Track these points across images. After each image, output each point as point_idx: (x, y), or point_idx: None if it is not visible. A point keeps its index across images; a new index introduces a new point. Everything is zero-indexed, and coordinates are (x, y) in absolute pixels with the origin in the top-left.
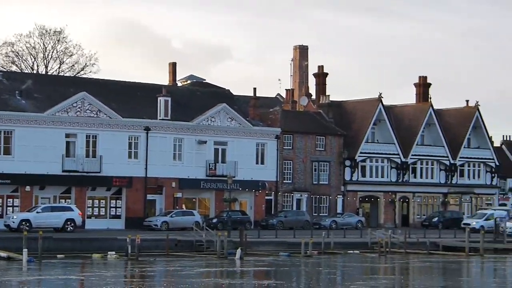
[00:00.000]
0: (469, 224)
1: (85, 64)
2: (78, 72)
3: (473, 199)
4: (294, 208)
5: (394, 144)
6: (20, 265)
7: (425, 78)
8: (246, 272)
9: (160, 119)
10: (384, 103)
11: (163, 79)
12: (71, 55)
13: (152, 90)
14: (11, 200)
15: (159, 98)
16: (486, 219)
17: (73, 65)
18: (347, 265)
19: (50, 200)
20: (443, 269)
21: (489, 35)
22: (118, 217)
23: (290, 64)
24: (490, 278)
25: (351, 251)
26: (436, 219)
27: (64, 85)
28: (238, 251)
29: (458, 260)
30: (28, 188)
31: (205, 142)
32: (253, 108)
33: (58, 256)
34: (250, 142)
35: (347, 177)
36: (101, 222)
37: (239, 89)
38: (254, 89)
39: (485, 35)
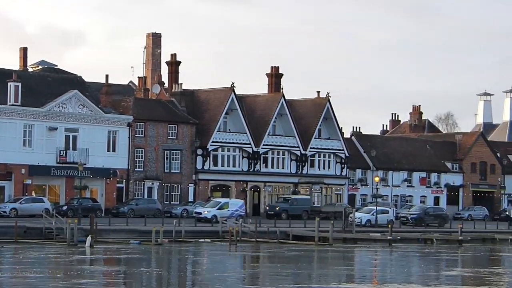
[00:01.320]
0: (200, 213)
1: None
2: None
3: (323, 189)
4: (146, 196)
5: (246, 133)
6: None
7: (277, 68)
8: (96, 259)
9: (10, 105)
10: (236, 93)
11: (15, 65)
12: None
13: (2, 75)
14: None
15: (9, 83)
16: (220, 208)
17: None
18: (197, 254)
19: None
20: (292, 258)
21: (340, 26)
22: None
23: (143, 51)
24: (339, 266)
25: (202, 240)
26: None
27: None
28: (88, 238)
29: (308, 249)
30: None
31: (56, 128)
32: (105, 95)
33: None
34: (102, 129)
35: (199, 166)
36: None
37: (92, 76)
38: (107, 76)
39: (337, 26)
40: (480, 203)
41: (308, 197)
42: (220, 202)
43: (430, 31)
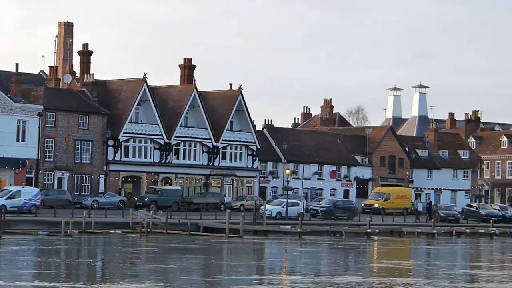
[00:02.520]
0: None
1: None
2: None
3: (234, 181)
4: (55, 187)
5: (158, 125)
6: None
7: (190, 60)
8: (3, 252)
9: None
10: (149, 84)
11: None
12: None
13: None
14: None
15: None
16: (10, 197)
17: None
18: (106, 244)
19: None
20: (203, 250)
21: (253, 18)
22: None
23: (55, 40)
24: (249, 258)
25: (113, 231)
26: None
27: None
28: None
29: (218, 241)
30: None
31: None
32: (15, 84)
33: None
34: (11, 118)
35: (110, 157)
36: None
37: (1, 64)
38: (17, 64)
39: (251, 18)
40: None
41: (179, 188)
42: (12, 190)
43: (342, 26)
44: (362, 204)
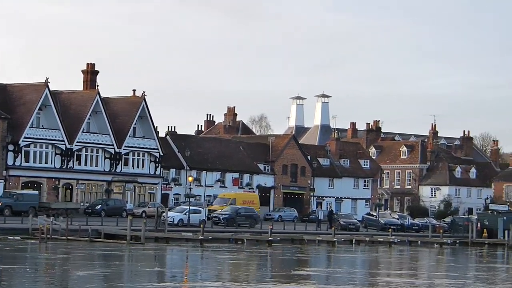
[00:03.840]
0: None
1: None
2: None
3: (136, 187)
4: None
5: (60, 130)
6: None
7: (93, 65)
8: None
9: None
10: (51, 89)
11: None
12: None
13: None
14: None
15: None
16: None
17: None
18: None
19: None
20: (103, 257)
21: (157, 23)
22: None
23: None
24: (150, 265)
25: (12, 237)
26: (99, 206)
27: None
28: None
29: (119, 248)
30: None
31: None
32: None
33: None
34: None
35: (10, 162)
36: None
37: None
38: None
39: (155, 24)
40: (290, 204)
41: (36, 192)
42: None
43: (247, 34)
44: (207, 209)
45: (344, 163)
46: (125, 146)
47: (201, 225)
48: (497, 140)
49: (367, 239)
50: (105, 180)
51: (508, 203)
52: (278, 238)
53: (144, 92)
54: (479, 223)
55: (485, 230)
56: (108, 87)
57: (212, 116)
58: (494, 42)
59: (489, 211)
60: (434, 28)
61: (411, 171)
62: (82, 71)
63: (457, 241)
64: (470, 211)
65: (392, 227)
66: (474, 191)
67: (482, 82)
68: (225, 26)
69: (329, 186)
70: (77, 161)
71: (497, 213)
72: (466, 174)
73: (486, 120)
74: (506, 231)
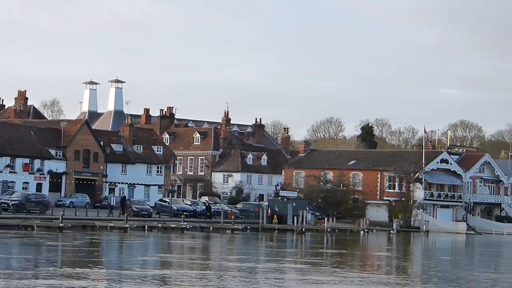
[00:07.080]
0: None
1: None
2: None
3: None
4: None
5: None
6: None
7: None
8: None
9: None
10: None
11: None
12: None
13: None
14: None
15: None
16: None
17: None
18: None
19: None
20: None
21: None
22: None
23: None
24: None
25: None
26: None
27: None
28: None
29: None
30: None
31: None
32: None
33: None
34: None
35: None
36: None
37: None
38: None
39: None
40: (83, 190)
41: None
42: None
43: (45, 16)
44: None
45: (137, 149)
46: None
47: None
48: (287, 128)
49: (160, 225)
50: None
51: (297, 190)
52: (70, 225)
53: None
54: (269, 209)
55: (275, 216)
56: None
57: (2, 100)
58: (289, 32)
59: (279, 198)
60: (230, 17)
61: (204, 157)
62: None
63: (248, 227)
64: (261, 197)
65: (184, 213)
66: (265, 178)
67: (277, 72)
68: (21, 10)
69: (122, 172)
70: None
71: (287, 200)
72: (258, 161)
73: (278, 108)
74: (295, 217)
